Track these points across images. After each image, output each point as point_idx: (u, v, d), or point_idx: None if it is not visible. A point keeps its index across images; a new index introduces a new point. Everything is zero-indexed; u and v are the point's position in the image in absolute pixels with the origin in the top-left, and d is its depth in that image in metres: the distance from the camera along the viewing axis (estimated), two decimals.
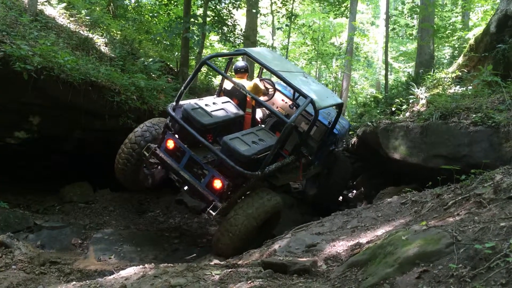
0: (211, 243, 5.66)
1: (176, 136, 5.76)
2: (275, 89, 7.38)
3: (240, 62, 7.37)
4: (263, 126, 6.82)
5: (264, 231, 5.98)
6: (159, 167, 6.62)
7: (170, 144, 5.68)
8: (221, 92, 7.00)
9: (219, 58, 14.38)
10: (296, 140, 6.60)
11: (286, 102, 7.50)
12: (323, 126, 7.25)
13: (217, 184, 5.40)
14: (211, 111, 5.99)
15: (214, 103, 6.29)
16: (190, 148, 5.64)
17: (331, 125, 7.18)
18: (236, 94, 6.73)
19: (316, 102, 5.77)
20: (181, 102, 6.02)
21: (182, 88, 5.87)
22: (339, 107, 7.03)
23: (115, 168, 6.34)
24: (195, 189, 5.55)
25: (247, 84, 6.94)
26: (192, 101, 6.14)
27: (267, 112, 7.19)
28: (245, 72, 7.20)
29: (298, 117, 6.75)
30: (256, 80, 7.22)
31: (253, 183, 5.62)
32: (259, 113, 7.32)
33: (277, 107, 7.54)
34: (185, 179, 5.60)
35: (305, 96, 5.75)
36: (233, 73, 7.48)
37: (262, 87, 7.13)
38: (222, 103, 6.45)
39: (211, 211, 5.37)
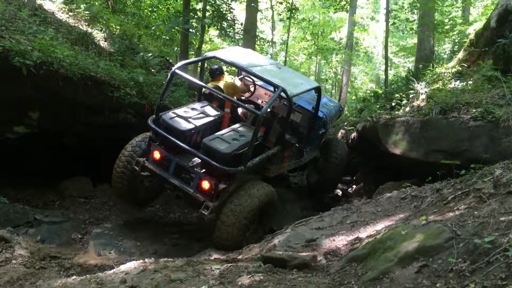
0: (213, 233, 5.73)
1: (161, 146, 5.96)
2: (255, 85, 7.60)
3: (214, 66, 7.58)
4: (244, 123, 6.93)
5: (262, 223, 6.13)
6: (153, 180, 6.76)
7: (157, 155, 5.93)
8: (201, 96, 7.20)
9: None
10: (278, 130, 6.71)
11: (270, 96, 7.62)
12: (308, 112, 7.34)
13: (205, 184, 5.59)
14: (190, 117, 6.23)
15: (193, 109, 6.52)
16: (177, 155, 5.88)
17: (315, 109, 7.26)
18: (216, 97, 6.89)
19: (288, 90, 5.93)
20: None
21: (160, 100, 6.11)
22: (318, 90, 7.11)
23: (112, 186, 6.55)
24: (187, 194, 5.74)
25: (222, 85, 7.10)
26: (171, 111, 6.36)
27: None
28: (221, 74, 7.36)
29: (283, 109, 7.05)
30: (235, 80, 7.44)
31: (244, 177, 5.85)
32: (241, 110, 7.45)
33: (262, 102, 7.72)
34: (175, 186, 5.80)
35: (276, 86, 5.96)
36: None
37: (239, 85, 7.34)
38: (201, 107, 6.66)
39: (203, 212, 5.52)
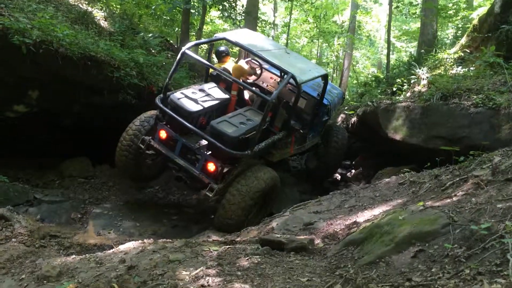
0: (216, 212, 5.80)
1: (168, 126, 5.96)
2: (262, 68, 7.55)
3: (221, 47, 7.50)
4: (251, 106, 6.94)
5: (263, 208, 6.17)
6: (156, 158, 6.79)
7: (163, 134, 5.94)
8: (208, 78, 7.17)
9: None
10: (284, 116, 6.73)
11: (275, 80, 7.63)
12: (313, 98, 7.36)
13: (211, 167, 5.63)
14: (198, 99, 6.23)
15: (200, 90, 6.51)
16: (183, 136, 5.88)
17: (320, 96, 7.25)
18: (223, 78, 6.90)
19: (297, 76, 5.93)
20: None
21: (167, 80, 6.09)
22: (325, 78, 7.11)
23: (116, 163, 6.54)
24: (192, 174, 5.77)
25: (231, 67, 7.09)
26: (179, 91, 6.34)
27: None
28: (227, 55, 7.35)
29: (288, 94, 7.07)
30: (241, 62, 7.40)
31: (249, 161, 5.87)
32: (247, 94, 7.44)
33: (267, 85, 7.69)
34: (180, 166, 5.82)
35: (285, 72, 5.95)
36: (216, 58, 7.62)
37: (246, 68, 7.31)
38: (209, 89, 6.65)
39: (208, 193, 5.58)
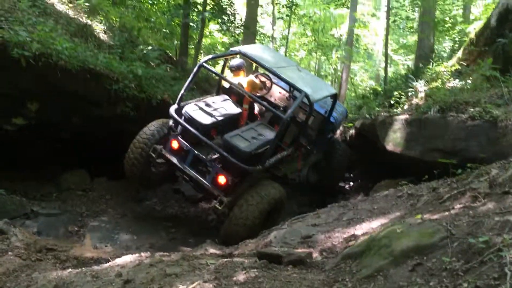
0: (231, 212, 5.75)
1: (180, 136, 6.04)
2: (271, 82, 7.60)
3: (234, 60, 7.56)
4: (261, 121, 7.01)
5: (270, 220, 6.13)
6: (163, 167, 6.78)
7: (175, 144, 6.02)
8: (220, 90, 7.24)
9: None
10: (294, 132, 6.84)
11: (283, 94, 7.70)
12: (320, 116, 7.45)
13: (221, 179, 5.69)
14: (211, 111, 6.32)
15: (213, 102, 6.60)
16: (194, 147, 5.96)
17: (328, 114, 7.29)
18: (235, 91, 7.00)
19: (311, 95, 6.03)
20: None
21: (182, 91, 6.19)
22: (334, 97, 7.20)
23: (125, 169, 6.56)
24: (201, 186, 5.85)
25: (244, 81, 7.14)
26: (192, 102, 6.43)
27: None
28: (240, 69, 7.43)
29: (297, 109, 7.06)
30: (251, 77, 7.46)
31: (257, 175, 5.91)
32: (257, 108, 7.52)
33: (275, 100, 7.74)
34: (191, 177, 5.90)
35: (299, 90, 6.03)
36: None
37: (257, 82, 7.39)
38: (221, 101, 6.74)
39: (217, 206, 5.65)
